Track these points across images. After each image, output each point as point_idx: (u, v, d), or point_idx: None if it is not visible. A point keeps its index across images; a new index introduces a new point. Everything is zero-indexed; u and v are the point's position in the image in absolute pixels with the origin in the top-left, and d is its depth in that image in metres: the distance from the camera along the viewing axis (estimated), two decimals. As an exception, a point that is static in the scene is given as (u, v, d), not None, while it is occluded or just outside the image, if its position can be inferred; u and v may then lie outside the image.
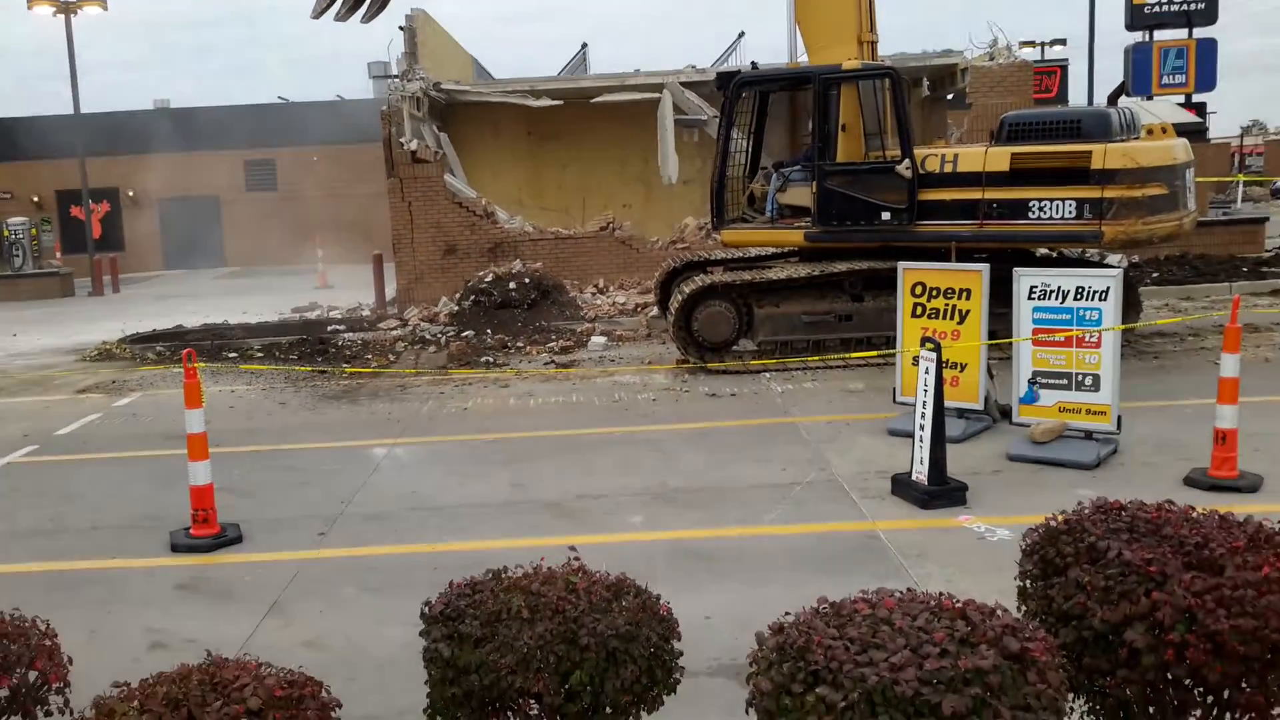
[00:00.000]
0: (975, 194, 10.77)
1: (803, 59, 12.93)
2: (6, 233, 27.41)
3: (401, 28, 18.89)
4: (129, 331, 17.94)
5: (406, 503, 7.76)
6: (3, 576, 6.67)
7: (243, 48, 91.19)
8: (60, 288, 26.97)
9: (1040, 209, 10.43)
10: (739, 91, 12.35)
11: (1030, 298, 8.02)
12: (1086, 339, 7.80)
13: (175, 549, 6.94)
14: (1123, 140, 10.33)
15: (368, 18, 18.34)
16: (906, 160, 11.10)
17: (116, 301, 25.33)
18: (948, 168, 10.99)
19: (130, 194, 34.66)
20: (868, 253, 11.51)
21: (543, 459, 8.76)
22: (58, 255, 30.76)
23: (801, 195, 11.99)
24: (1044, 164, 10.43)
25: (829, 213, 11.64)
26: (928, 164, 11.10)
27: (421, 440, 9.64)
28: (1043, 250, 11.65)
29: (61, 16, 27.42)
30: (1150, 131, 10.80)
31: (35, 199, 34.41)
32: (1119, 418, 7.72)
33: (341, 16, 18.34)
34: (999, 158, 10.64)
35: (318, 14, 18.25)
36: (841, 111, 11.75)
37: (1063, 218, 10.34)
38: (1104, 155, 10.08)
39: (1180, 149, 10.62)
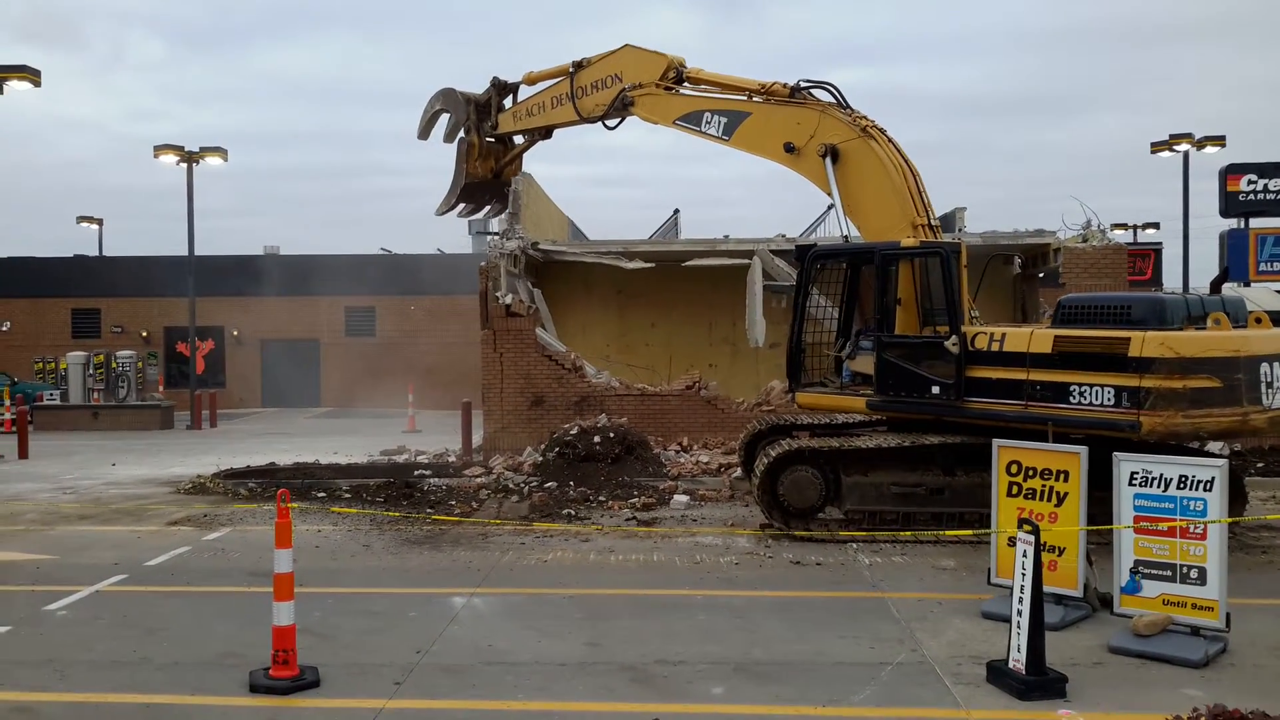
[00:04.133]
0: (1020, 374, 10.66)
1: None
2: (115, 365, 28.60)
3: (506, 190, 19.78)
4: (223, 466, 18.40)
5: (483, 656, 7.66)
6: (83, 706, 6.71)
7: (351, 199, 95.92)
8: (160, 420, 27.89)
9: (1081, 394, 10.20)
10: (814, 264, 12.82)
11: (1131, 484, 7.79)
12: (1191, 529, 7.51)
13: (254, 689, 6.92)
14: (1179, 329, 9.97)
15: (493, 214, 19.57)
16: (955, 336, 11.15)
17: (213, 436, 26.07)
18: (995, 346, 10.96)
19: (235, 333, 36.08)
20: (959, 427, 11.39)
21: (621, 618, 8.61)
22: (160, 389, 31.93)
23: (867, 364, 12.15)
24: (1084, 348, 10.26)
25: (886, 383, 11.76)
26: (977, 341, 11.11)
27: (501, 591, 9.58)
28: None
29: (184, 165, 29.18)
30: (1259, 320, 10.59)
31: (144, 334, 36.01)
32: (1228, 614, 7.35)
33: (464, 214, 19.62)
34: (1043, 340, 10.57)
35: (442, 212, 19.55)
36: (899, 286, 11.99)
37: (1102, 404, 10.07)
38: (1142, 343, 9.82)
39: (1257, 340, 10.17)
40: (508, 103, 18.71)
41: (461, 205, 19.95)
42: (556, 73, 17.29)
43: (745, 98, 14.48)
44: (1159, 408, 9.70)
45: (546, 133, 18.32)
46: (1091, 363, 10.17)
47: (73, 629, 8.52)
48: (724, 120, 14.52)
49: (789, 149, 13.60)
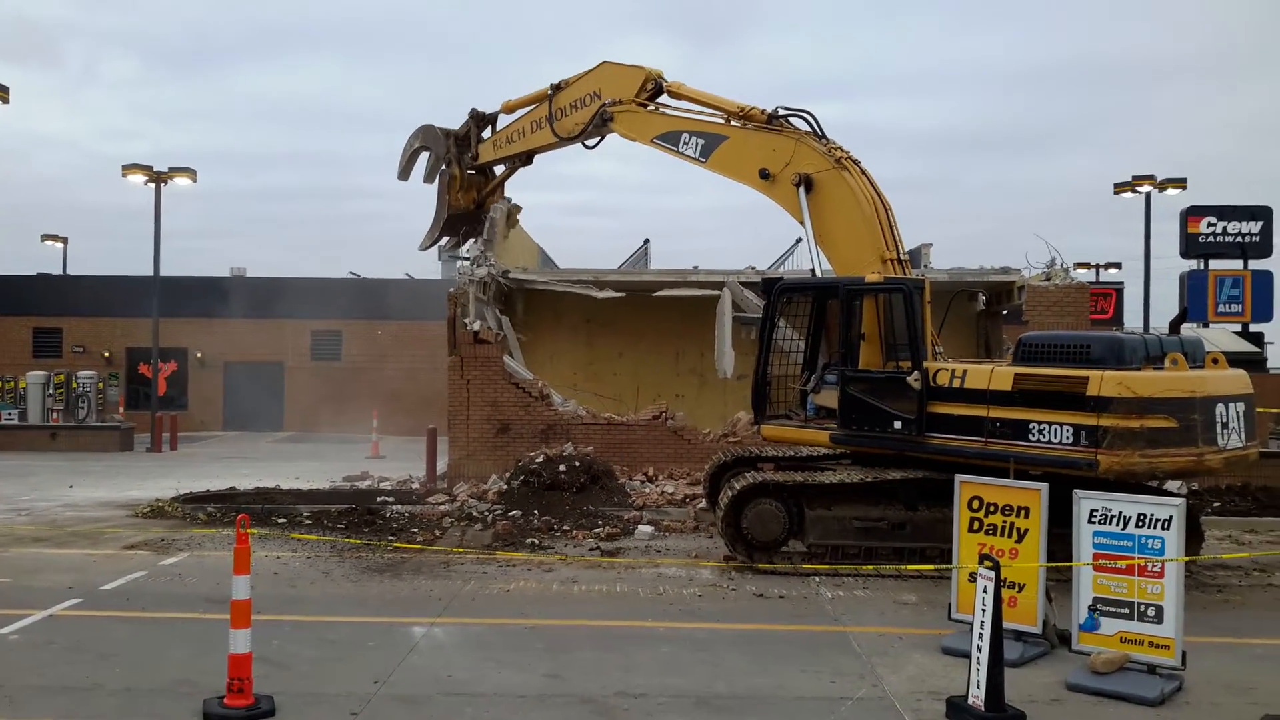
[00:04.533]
0: (981, 411, 10.75)
1: None
2: (75, 385, 28.22)
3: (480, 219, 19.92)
4: (182, 490, 18.16)
5: (442, 686, 7.59)
6: (32, 734, 6.58)
7: (319, 223, 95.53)
8: (120, 442, 27.52)
9: (1040, 432, 10.30)
10: (780, 296, 12.89)
11: (1090, 521, 7.88)
12: (1149, 568, 7.59)
13: (208, 718, 6.81)
14: (1138, 369, 10.09)
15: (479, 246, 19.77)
16: (916, 372, 11.25)
17: (173, 459, 25.75)
18: (956, 382, 11.06)
19: (199, 355, 35.71)
20: (920, 462, 11.47)
21: (583, 650, 8.57)
22: (121, 410, 31.51)
23: (831, 398, 12.23)
24: (1043, 386, 10.36)
25: (850, 417, 11.83)
26: (938, 378, 11.21)
27: (462, 621, 9.50)
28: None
29: (153, 185, 28.95)
30: (1216, 361, 10.76)
31: (106, 354, 35.55)
32: (1184, 653, 7.43)
33: (448, 249, 19.79)
34: (1003, 377, 10.69)
35: (425, 248, 19.70)
36: (864, 321, 12.09)
37: (1060, 442, 10.17)
38: (1100, 382, 9.93)
39: (1213, 381, 10.29)
40: (487, 133, 18.85)
41: (445, 239, 20.01)
42: (535, 98, 17.40)
43: (724, 120, 14.58)
44: (1116, 446, 9.81)
45: (527, 159, 18.40)
46: (1050, 401, 10.28)
47: (24, 653, 8.36)
48: (701, 142, 14.59)
49: (764, 175, 13.68)
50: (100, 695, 7.36)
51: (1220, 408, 10.21)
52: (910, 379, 11.26)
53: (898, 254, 12.76)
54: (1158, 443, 9.84)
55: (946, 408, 11.08)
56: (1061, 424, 10.15)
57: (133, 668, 7.98)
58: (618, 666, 8.10)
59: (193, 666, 7.94)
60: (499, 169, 19.30)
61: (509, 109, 18.13)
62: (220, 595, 9.41)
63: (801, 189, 13.21)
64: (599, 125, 16.06)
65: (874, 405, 11.62)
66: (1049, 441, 10.22)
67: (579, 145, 16.88)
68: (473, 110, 18.82)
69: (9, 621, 9.24)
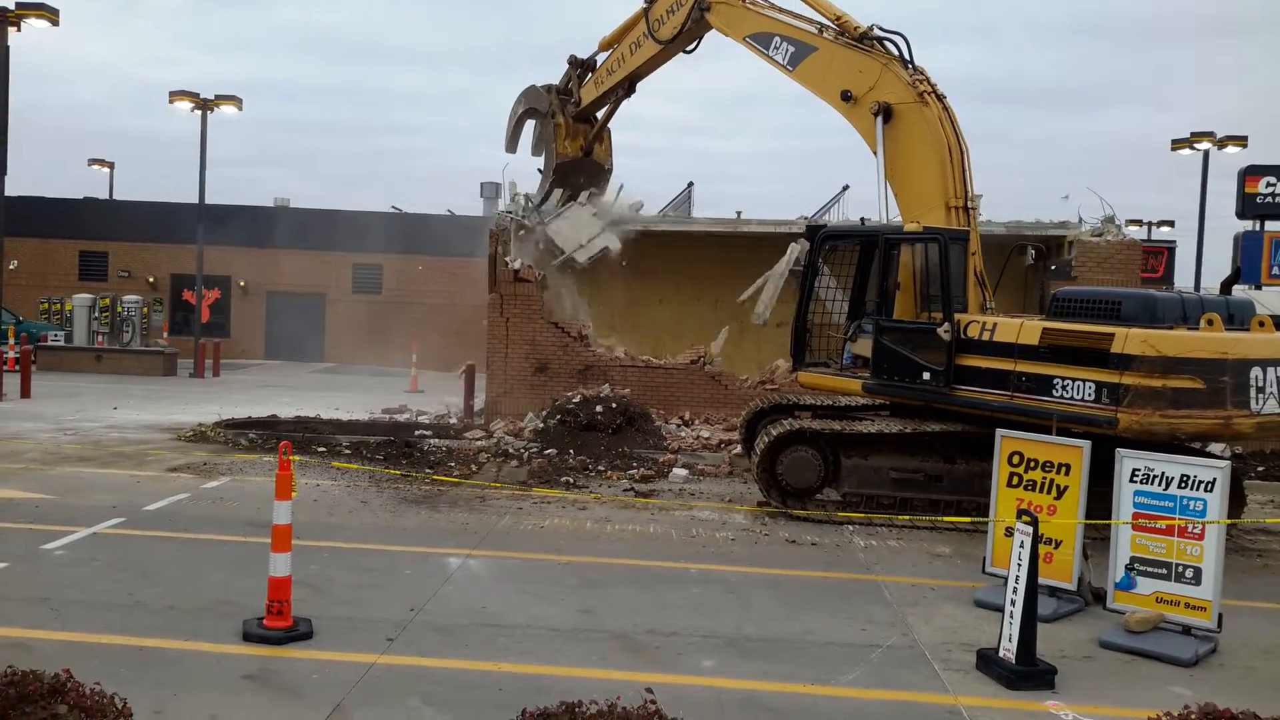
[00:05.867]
0: (1008, 365, 10.65)
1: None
2: (120, 309, 28.61)
3: (600, 169, 19.91)
4: (225, 416, 18.43)
5: (476, 617, 7.69)
6: (78, 645, 6.75)
7: (365, 155, 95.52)
8: (164, 366, 27.93)
9: (1064, 388, 10.17)
10: (823, 244, 12.79)
11: (1132, 480, 7.79)
12: (1189, 529, 7.51)
13: (247, 638, 6.96)
14: (1170, 327, 9.88)
15: (593, 198, 19.58)
16: (946, 324, 11.15)
17: (216, 385, 26.12)
18: (986, 336, 10.94)
19: (241, 284, 36.05)
20: (948, 414, 11.43)
21: (615, 587, 8.64)
22: (165, 335, 31.96)
23: (866, 347, 12.17)
24: (1069, 342, 10.21)
25: (882, 367, 11.79)
26: (969, 330, 11.11)
27: (496, 554, 9.61)
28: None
29: (199, 112, 29.05)
30: (1262, 324, 10.52)
31: (151, 279, 35.99)
32: (1220, 615, 7.36)
33: (563, 201, 19.52)
34: (1031, 331, 10.54)
35: (539, 203, 19.49)
36: (900, 271, 11.97)
37: (1083, 399, 10.01)
38: (1125, 339, 9.76)
39: (1249, 343, 9.96)
40: (588, 79, 18.65)
41: (557, 191, 19.75)
42: (628, 24, 17.23)
43: (816, 31, 13.99)
44: (1137, 405, 9.64)
45: (629, 87, 18.03)
46: (1076, 357, 10.13)
47: (69, 569, 8.56)
48: (791, 49, 14.07)
49: (845, 97, 13.16)
50: (143, 612, 7.53)
51: (1256, 371, 9.88)
52: (940, 330, 11.17)
53: (965, 201, 12.37)
54: (1181, 404, 9.62)
55: (975, 361, 10.99)
56: (1085, 380, 10.01)
57: (174, 586, 8.16)
58: (650, 605, 8.17)
59: (233, 588, 8.10)
60: (600, 114, 19.10)
61: (605, 45, 17.98)
62: (261, 519, 9.58)
63: (880, 119, 12.73)
64: (696, 21, 15.75)
65: (905, 356, 11.56)
66: (1072, 398, 10.10)
67: (679, 55, 16.60)
68: (571, 57, 18.77)
69: (55, 538, 9.46)
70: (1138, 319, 10.01)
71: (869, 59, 13.16)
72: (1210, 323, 9.93)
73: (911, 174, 12.64)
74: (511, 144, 19.59)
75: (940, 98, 12.76)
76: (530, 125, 19.57)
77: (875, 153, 12.91)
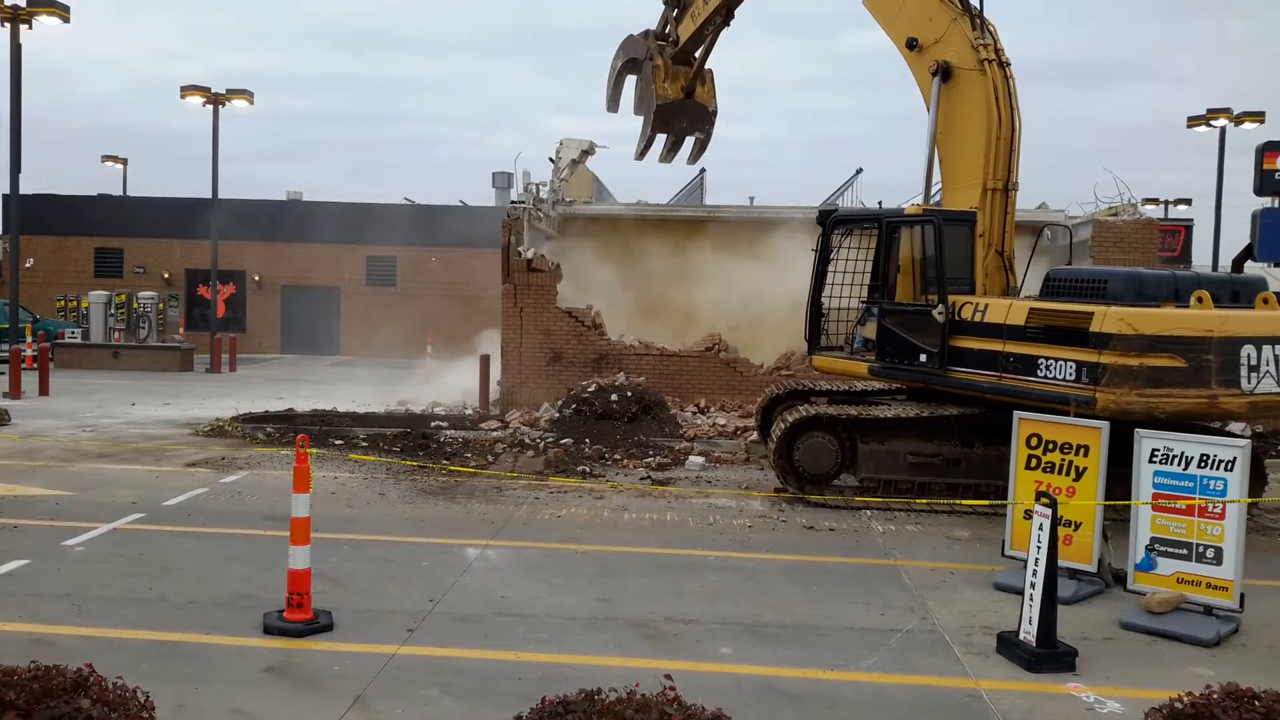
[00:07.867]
0: (997, 346, 10.67)
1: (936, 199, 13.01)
2: (136, 305, 28.75)
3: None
4: (242, 410, 18.52)
5: (494, 607, 7.71)
6: (100, 640, 6.80)
7: (377, 147, 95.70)
8: (180, 362, 28.07)
9: (1047, 367, 10.15)
10: (833, 228, 12.82)
11: (1151, 461, 7.74)
12: (1210, 509, 7.46)
13: (268, 631, 7.00)
14: (1158, 306, 9.78)
15: (693, 159, 18.74)
16: (941, 306, 11.18)
17: (232, 380, 26.23)
18: (978, 317, 10.96)
19: (256, 279, 36.18)
20: (944, 395, 11.51)
21: (633, 575, 8.65)
22: (181, 330, 32.11)
23: (873, 330, 12.24)
24: (1052, 321, 10.20)
25: (885, 349, 11.88)
26: (963, 312, 11.12)
27: (514, 544, 9.63)
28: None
29: (210, 107, 29.11)
30: (1266, 301, 10.38)
31: (166, 275, 36.17)
32: (1241, 595, 7.32)
33: (665, 158, 18.67)
34: (1019, 312, 10.54)
35: (641, 154, 18.62)
36: (900, 254, 11.99)
37: (1064, 379, 9.99)
38: (1103, 318, 9.68)
39: (1239, 321, 9.74)
40: (685, 17, 17.66)
41: (660, 138, 18.06)
42: None
43: None
44: (1114, 384, 9.58)
45: (727, 14, 16.60)
46: (1059, 336, 10.12)
47: (90, 565, 8.62)
48: None
49: (911, 45, 12.58)
50: (164, 606, 7.57)
51: (1249, 349, 9.69)
52: (935, 313, 11.20)
53: (1005, 183, 11.97)
54: (1160, 382, 9.51)
55: (968, 342, 11.04)
56: (1066, 360, 9.98)
57: (195, 581, 8.20)
58: (668, 593, 8.17)
59: (253, 581, 8.14)
60: (698, 54, 17.99)
61: None
62: (279, 513, 9.62)
63: (937, 78, 12.22)
64: None
65: (904, 338, 11.64)
66: (1054, 377, 10.08)
67: None
68: None
69: (76, 534, 9.53)
70: (1123, 298, 9.97)
71: (942, 8, 12.40)
72: (1200, 300, 9.81)
73: (958, 144, 12.21)
74: (613, 103, 18.36)
75: (1004, 65, 12.10)
76: (631, 84, 18.02)
77: (928, 109, 12.40)
